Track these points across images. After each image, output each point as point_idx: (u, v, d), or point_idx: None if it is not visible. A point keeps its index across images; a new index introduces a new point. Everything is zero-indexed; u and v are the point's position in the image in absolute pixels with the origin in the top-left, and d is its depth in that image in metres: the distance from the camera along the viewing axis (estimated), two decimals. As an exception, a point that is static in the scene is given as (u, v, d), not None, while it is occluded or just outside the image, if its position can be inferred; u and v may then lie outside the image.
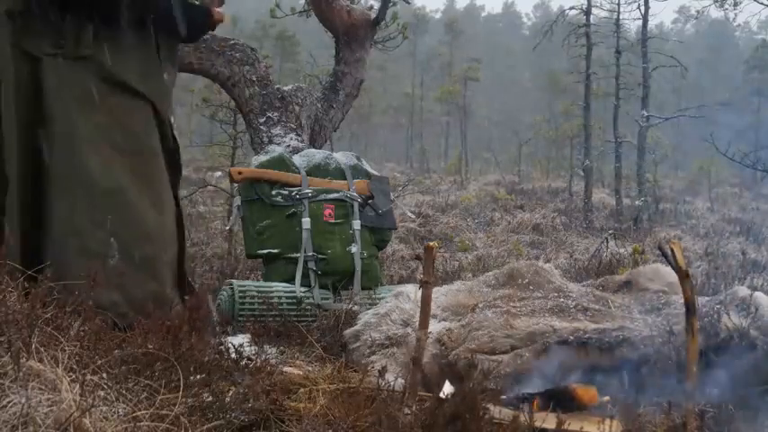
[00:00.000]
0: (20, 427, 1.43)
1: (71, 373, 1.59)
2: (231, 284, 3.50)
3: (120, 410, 1.58)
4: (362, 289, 3.70)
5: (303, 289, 3.56)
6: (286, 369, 2.25)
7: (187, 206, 9.88)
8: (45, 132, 2.34)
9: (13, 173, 2.33)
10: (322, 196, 3.75)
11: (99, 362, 1.68)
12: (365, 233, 3.83)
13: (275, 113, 5.00)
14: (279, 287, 3.54)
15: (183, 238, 2.69)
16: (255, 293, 3.45)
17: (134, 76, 2.47)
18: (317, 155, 3.99)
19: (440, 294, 2.88)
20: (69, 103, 2.35)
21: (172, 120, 2.67)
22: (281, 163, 3.78)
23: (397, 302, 2.90)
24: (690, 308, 1.78)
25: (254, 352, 2.47)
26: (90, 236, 2.33)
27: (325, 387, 2.13)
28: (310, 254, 3.63)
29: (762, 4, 6.42)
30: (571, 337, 2.49)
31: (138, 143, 2.48)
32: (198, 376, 1.89)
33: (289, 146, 4.73)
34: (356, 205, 3.81)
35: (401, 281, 5.05)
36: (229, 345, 2.40)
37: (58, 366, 1.58)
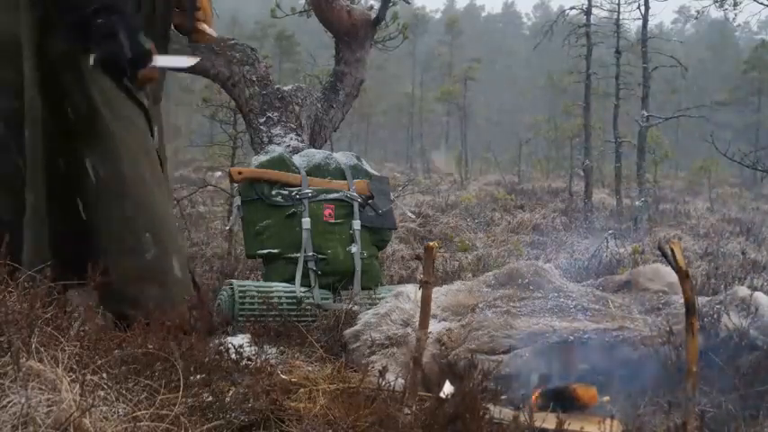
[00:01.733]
0: (20, 427, 1.43)
1: (71, 373, 1.59)
2: (231, 284, 3.50)
3: (120, 410, 1.58)
4: (362, 289, 3.70)
5: (303, 289, 3.56)
6: (282, 377, 2.25)
7: (187, 206, 9.88)
8: (72, 141, 2.35)
9: (36, 175, 2.34)
10: (322, 196, 3.75)
11: (99, 362, 1.68)
12: (365, 233, 3.83)
13: (275, 113, 5.00)
14: (279, 287, 3.54)
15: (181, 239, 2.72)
16: (255, 293, 3.45)
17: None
18: (317, 155, 3.99)
19: (440, 294, 2.88)
20: (92, 110, 2.36)
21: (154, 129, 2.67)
22: (281, 163, 3.78)
23: (397, 302, 2.90)
24: (690, 308, 1.78)
25: (254, 352, 2.47)
26: (127, 234, 2.36)
27: (325, 387, 2.13)
28: (310, 254, 3.63)
29: (762, 4, 6.42)
30: (571, 337, 2.49)
31: (148, 143, 2.50)
32: (198, 376, 1.89)
33: (289, 146, 4.73)
34: (356, 205, 3.81)
35: (401, 281, 5.05)
36: (229, 345, 2.41)
37: (58, 366, 1.58)
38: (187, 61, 2.77)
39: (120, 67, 2.42)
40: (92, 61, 2.38)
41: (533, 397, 2.20)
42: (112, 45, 2.36)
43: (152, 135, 2.59)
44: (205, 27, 2.70)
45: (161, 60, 2.54)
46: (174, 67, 2.70)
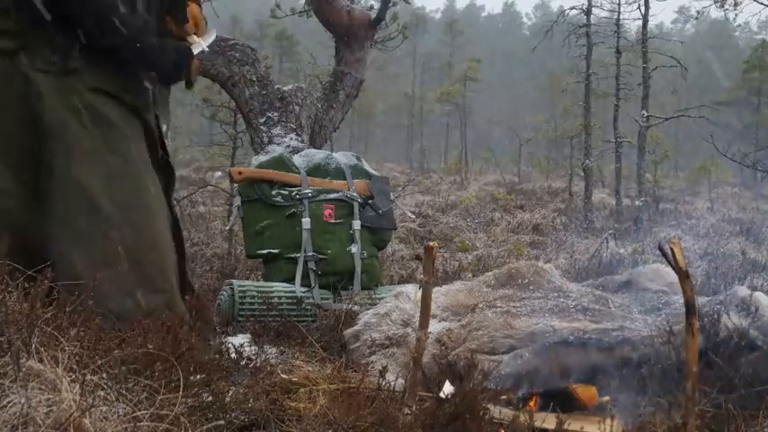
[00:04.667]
0: (20, 427, 1.43)
1: (71, 374, 1.59)
2: (231, 284, 3.50)
3: (120, 410, 1.58)
4: (362, 289, 3.70)
5: (303, 289, 3.56)
6: (282, 377, 2.25)
7: (187, 206, 9.88)
8: (43, 147, 2.34)
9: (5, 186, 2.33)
10: (322, 196, 3.75)
11: (99, 362, 1.68)
12: (365, 233, 3.83)
13: (275, 113, 5.00)
14: (279, 287, 3.55)
15: (182, 244, 2.70)
16: (255, 293, 3.45)
17: (119, 86, 2.47)
18: (317, 155, 4.00)
19: (440, 294, 2.88)
20: (65, 117, 2.35)
21: (164, 128, 2.67)
22: (281, 163, 3.78)
23: (397, 302, 2.90)
24: (690, 308, 1.78)
25: (254, 352, 2.47)
26: (98, 246, 2.34)
27: (325, 387, 2.13)
28: (310, 254, 3.63)
29: (762, 4, 6.42)
30: (571, 337, 2.49)
31: (131, 151, 2.48)
32: (198, 376, 1.89)
33: (289, 146, 4.73)
34: (356, 205, 3.81)
35: (401, 281, 5.05)
36: (229, 345, 2.41)
37: (57, 366, 1.58)
38: (212, 34, 2.77)
39: (177, 74, 2.52)
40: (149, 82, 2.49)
41: (532, 402, 2.20)
42: (162, 59, 2.46)
43: (154, 142, 2.58)
44: (195, 38, 2.68)
45: (198, 47, 2.60)
46: (209, 44, 2.71)
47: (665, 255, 1.76)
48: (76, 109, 2.37)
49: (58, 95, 2.35)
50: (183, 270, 2.68)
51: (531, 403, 2.18)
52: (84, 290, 2.00)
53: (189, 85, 2.69)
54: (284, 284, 3.57)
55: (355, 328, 2.88)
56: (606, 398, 2.29)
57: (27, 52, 2.34)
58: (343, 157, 4.01)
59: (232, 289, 3.46)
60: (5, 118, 2.34)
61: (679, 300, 2.38)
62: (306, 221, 3.66)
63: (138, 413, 1.58)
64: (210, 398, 1.83)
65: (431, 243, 2.06)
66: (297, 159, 3.89)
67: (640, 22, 13.57)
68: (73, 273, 2.22)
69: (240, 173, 3.75)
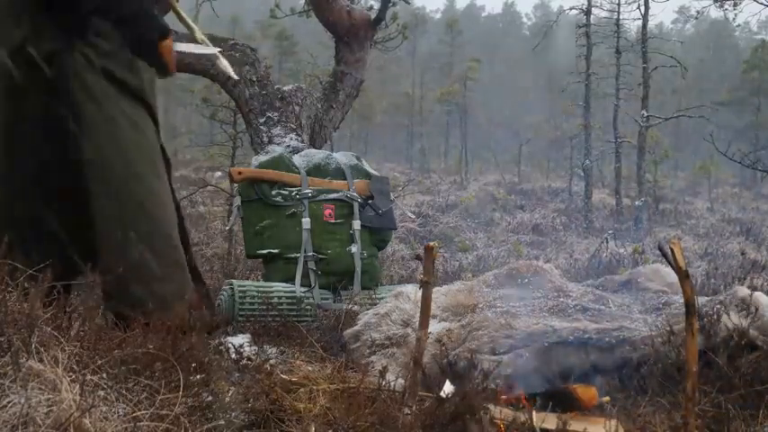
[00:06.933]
0: (20, 427, 1.43)
1: (71, 373, 1.59)
2: (231, 284, 3.50)
3: (120, 410, 1.58)
4: (362, 289, 3.70)
5: (303, 289, 3.56)
6: (282, 377, 2.25)
7: (187, 206, 9.89)
8: (59, 128, 2.34)
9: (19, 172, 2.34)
10: (322, 196, 3.75)
11: (99, 362, 1.68)
12: (365, 233, 3.83)
13: (275, 113, 5.00)
14: (279, 287, 3.54)
15: (186, 233, 2.69)
16: (255, 293, 3.45)
17: (125, 71, 2.46)
18: (317, 155, 3.99)
19: (440, 294, 2.88)
20: (81, 98, 2.35)
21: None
22: (281, 163, 3.78)
23: (397, 302, 2.90)
24: (690, 308, 1.78)
25: (254, 352, 2.47)
26: (116, 234, 2.34)
27: (325, 387, 2.13)
28: (310, 254, 3.63)
29: (762, 4, 6.42)
30: (571, 337, 2.49)
31: (143, 135, 2.48)
32: (198, 376, 1.89)
33: (289, 146, 4.73)
34: (356, 205, 3.81)
35: (401, 281, 5.05)
36: (229, 345, 2.41)
37: (57, 366, 1.58)
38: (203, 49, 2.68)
39: (148, 43, 2.37)
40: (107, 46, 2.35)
41: (523, 398, 2.20)
42: (136, 25, 2.34)
43: (158, 129, 2.58)
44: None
45: (180, 46, 2.50)
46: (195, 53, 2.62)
47: (665, 255, 1.76)
48: (90, 91, 2.36)
49: (72, 77, 2.34)
50: (191, 259, 2.67)
51: (530, 404, 2.18)
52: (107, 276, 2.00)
53: (163, 72, 2.49)
54: (284, 284, 3.57)
55: (355, 328, 2.88)
56: (606, 398, 2.29)
57: (40, 35, 2.34)
58: (343, 157, 4.01)
59: (232, 289, 3.46)
60: (22, 106, 2.33)
61: (679, 300, 2.38)
62: (306, 221, 3.66)
63: (138, 413, 1.58)
64: (210, 398, 1.83)
65: (431, 243, 2.06)
66: (297, 159, 3.89)
67: (640, 22, 13.60)
68: (95, 261, 2.23)
69: (240, 173, 3.75)
